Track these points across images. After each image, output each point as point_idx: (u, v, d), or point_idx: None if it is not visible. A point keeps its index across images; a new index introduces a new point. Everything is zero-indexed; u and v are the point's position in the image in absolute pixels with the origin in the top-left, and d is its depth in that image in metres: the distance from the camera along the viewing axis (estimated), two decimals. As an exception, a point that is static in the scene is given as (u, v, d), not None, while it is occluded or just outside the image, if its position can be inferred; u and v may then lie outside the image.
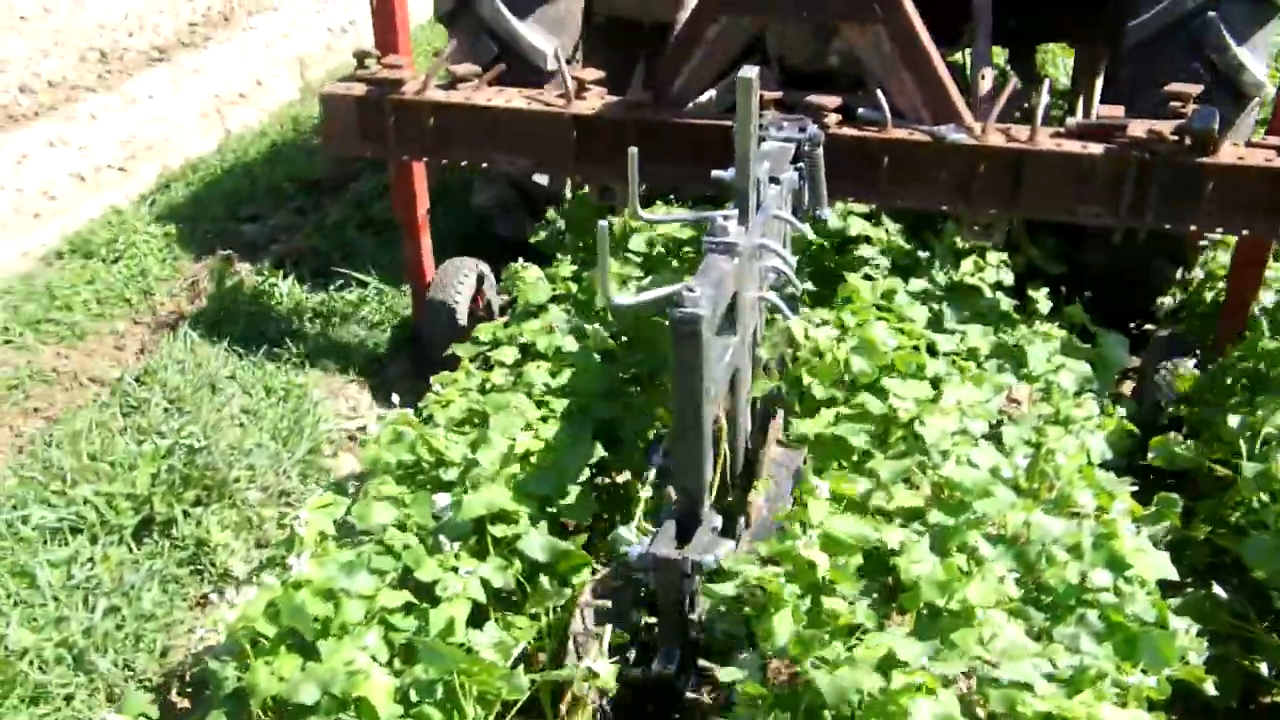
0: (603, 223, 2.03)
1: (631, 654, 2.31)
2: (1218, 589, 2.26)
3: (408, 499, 2.52)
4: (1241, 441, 2.49)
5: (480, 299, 3.91)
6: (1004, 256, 3.51)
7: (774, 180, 2.72)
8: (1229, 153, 3.19)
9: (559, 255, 3.62)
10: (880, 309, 2.87)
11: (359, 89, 3.70)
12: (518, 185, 4.23)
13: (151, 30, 7.55)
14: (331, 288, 4.32)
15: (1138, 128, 3.21)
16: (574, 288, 3.35)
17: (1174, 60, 3.51)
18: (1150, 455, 2.73)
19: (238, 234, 4.88)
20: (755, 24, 3.48)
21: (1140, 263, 3.83)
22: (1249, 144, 3.25)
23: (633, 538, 2.32)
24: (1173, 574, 2.00)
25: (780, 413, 2.78)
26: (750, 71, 2.32)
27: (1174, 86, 3.24)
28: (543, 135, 3.58)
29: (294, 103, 6.44)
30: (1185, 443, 2.70)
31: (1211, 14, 3.48)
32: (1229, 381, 3.09)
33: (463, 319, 3.77)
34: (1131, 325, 4.02)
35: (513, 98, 3.65)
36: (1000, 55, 4.78)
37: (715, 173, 2.59)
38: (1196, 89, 3.24)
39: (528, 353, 3.09)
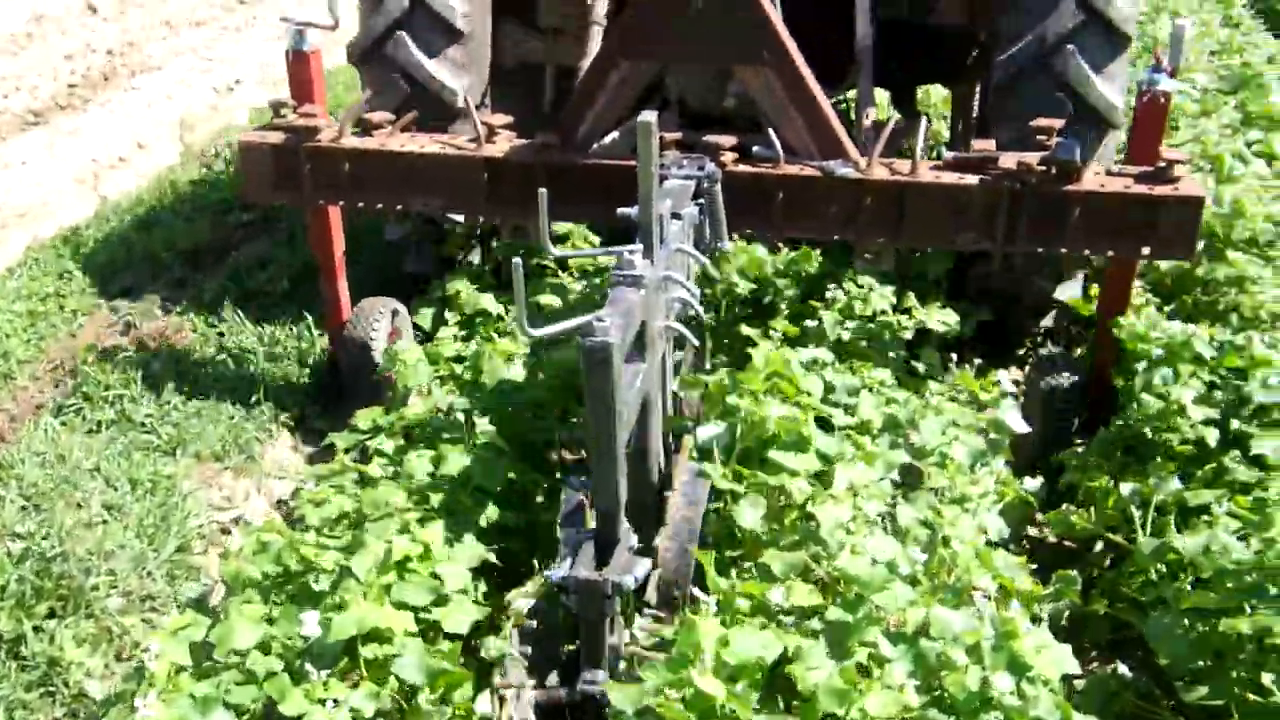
0: (516, 259, 2.14)
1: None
2: (1122, 668, 2.20)
3: (275, 614, 2.33)
4: (1134, 510, 2.44)
5: (394, 335, 4.00)
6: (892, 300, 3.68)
7: (676, 216, 2.81)
8: (1091, 181, 3.38)
9: (440, 331, 3.59)
10: (777, 376, 2.77)
11: (275, 137, 3.71)
12: (430, 220, 4.30)
13: (28, 92, 7.34)
14: (206, 365, 4.08)
15: (1008, 160, 3.40)
16: (458, 368, 3.22)
17: (1039, 93, 3.73)
18: (1048, 529, 2.73)
19: (110, 309, 4.57)
20: (655, 70, 3.63)
21: (1021, 284, 4.05)
22: (1109, 172, 3.44)
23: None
24: (1075, 668, 1.93)
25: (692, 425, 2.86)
26: (650, 115, 2.42)
27: (1039, 121, 3.42)
28: (455, 178, 3.68)
29: (174, 166, 6.21)
30: (1080, 511, 2.66)
31: (1070, 47, 3.69)
32: (1114, 448, 3.11)
33: (378, 355, 3.83)
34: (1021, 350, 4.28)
35: (426, 143, 3.74)
36: (883, 95, 4.99)
37: (621, 210, 2.63)
38: (1059, 122, 3.43)
39: (410, 439, 2.93)
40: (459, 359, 3.39)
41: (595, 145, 3.65)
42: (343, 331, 3.98)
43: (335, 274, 4.02)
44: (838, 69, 4.20)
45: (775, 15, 3.42)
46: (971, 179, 3.43)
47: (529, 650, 2.37)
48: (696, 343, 2.89)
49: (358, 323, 3.95)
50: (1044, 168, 3.34)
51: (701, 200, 3.13)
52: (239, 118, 7.03)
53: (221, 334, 4.33)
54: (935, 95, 6.24)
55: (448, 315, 4.11)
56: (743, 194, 3.40)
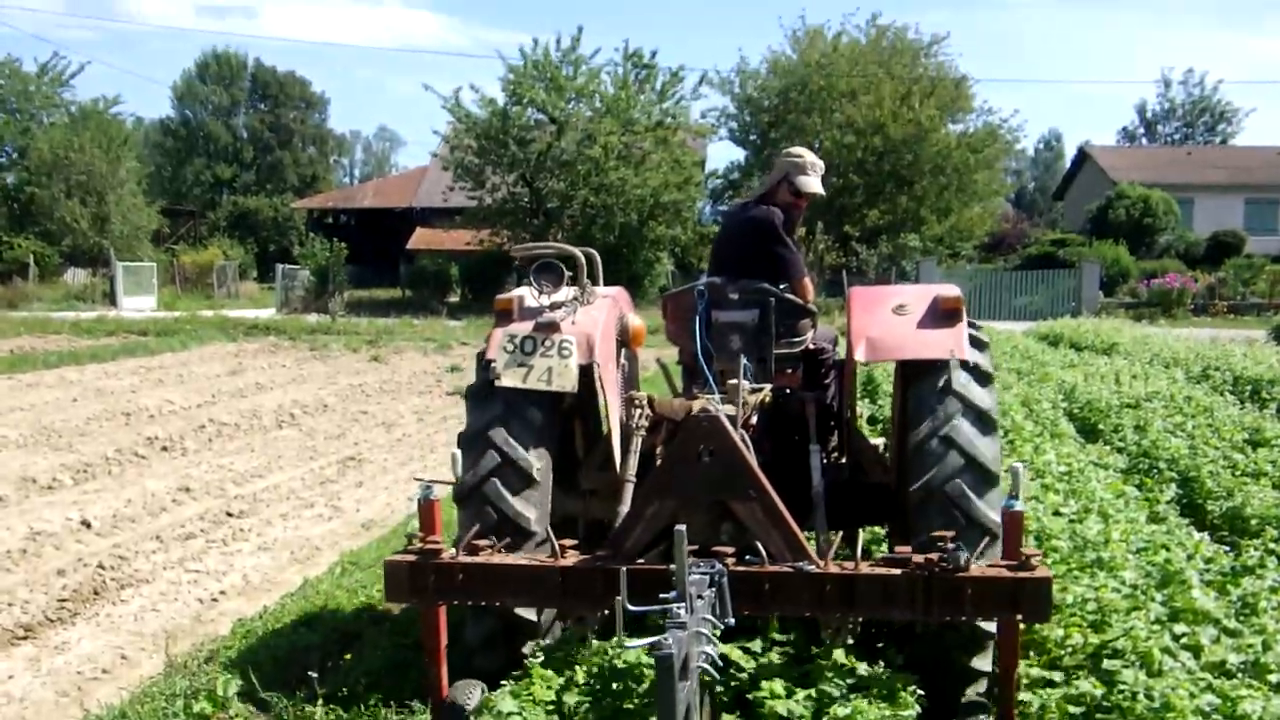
0: (619, 598, 3.57)
1: None
2: None
3: None
4: None
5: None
6: None
7: (699, 597, 4.28)
8: (977, 569, 4.95)
9: None
10: None
11: (410, 558, 5.25)
12: (505, 618, 5.65)
13: (19, 607, 7.66)
14: None
15: (919, 558, 4.97)
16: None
17: (941, 512, 5.43)
18: None
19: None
20: (676, 505, 5.17)
21: (944, 655, 5.41)
22: (989, 565, 5.03)
23: None
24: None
25: None
26: (681, 528, 4.03)
27: (940, 532, 5.08)
28: (539, 582, 5.17)
29: (156, 678, 6.36)
30: None
31: (958, 481, 5.44)
32: None
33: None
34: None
35: (518, 559, 5.28)
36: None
37: (662, 595, 4.02)
38: (952, 533, 5.05)
39: None
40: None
41: (637, 557, 5.18)
42: (443, 702, 5.24)
43: (439, 661, 5.35)
44: (802, 513, 5.86)
45: (756, 467, 5.22)
46: (897, 570, 5.01)
47: None
48: (718, 676, 4.26)
49: (457, 694, 5.23)
50: (945, 564, 4.93)
51: (712, 588, 4.66)
52: (222, 628, 7.29)
53: None
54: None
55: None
56: (741, 585, 4.90)
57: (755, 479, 5.18)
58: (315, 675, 6.12)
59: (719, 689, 4.94)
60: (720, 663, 4.39)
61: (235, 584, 8.52)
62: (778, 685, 4.88)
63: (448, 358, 25.37)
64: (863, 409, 12.93)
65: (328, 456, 13.79)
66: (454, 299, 47.02)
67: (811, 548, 5.18)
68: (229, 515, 10.60)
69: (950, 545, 4.98)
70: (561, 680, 4.96)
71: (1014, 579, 4.92)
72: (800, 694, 4.80)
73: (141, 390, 18.94)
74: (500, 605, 5.43)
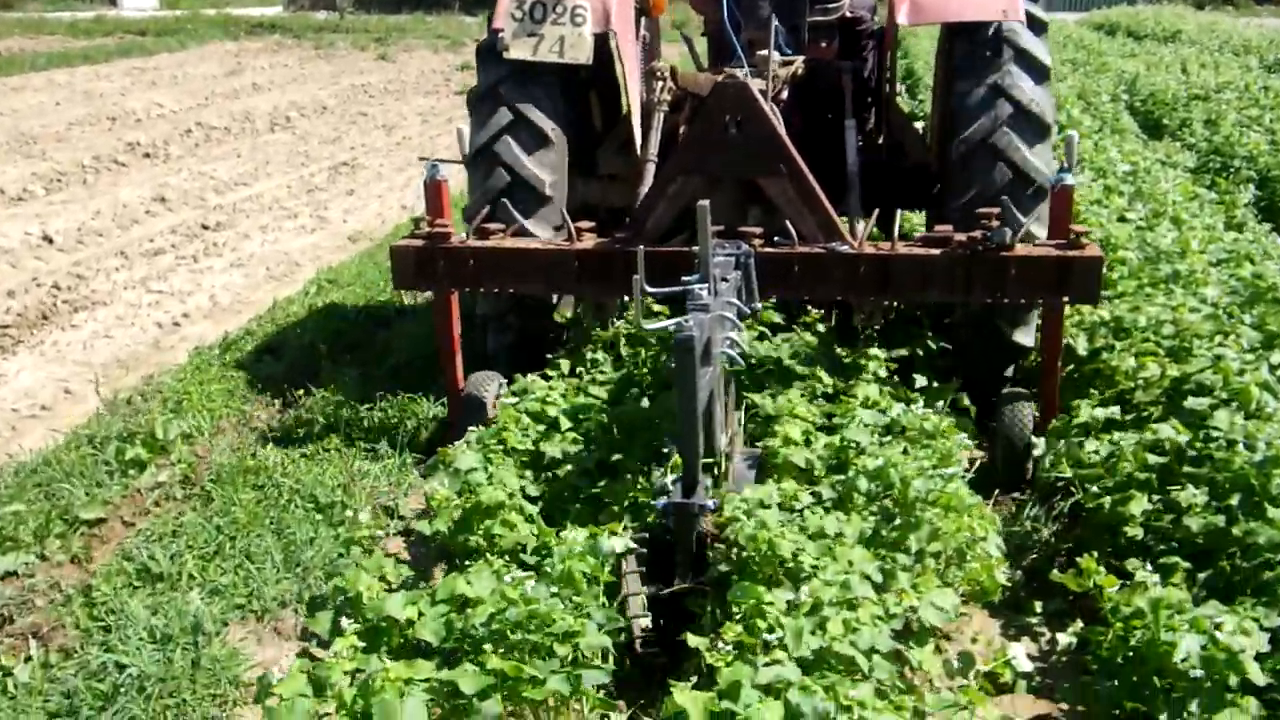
0: (638, 276, 3.36)
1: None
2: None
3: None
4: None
5: (495, 405, 4.99)
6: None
7: (724, 280, 4.00)
8: (1022, 248, 4.59)
9: None
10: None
11: (417, 242, 4.94)
12: (515, 305, 5.40)
13: None
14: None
15: (960, 237, 4.61)
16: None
17: (984, 166, 4.97)
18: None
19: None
20: (700, 183, 4.78)
21: (988, 333, 5.14)
22: (1035, 243, 4.69)
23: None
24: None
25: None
26: (704, 203, 3.64)
27: (982, 210, 4.63)
28: (554, 267, 4.91)
29: (93, 419, 5.55)
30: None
31: (1006, 129, 4.95)
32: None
33: (491, 411, 4.84)
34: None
35: (532, 243, 4.99)
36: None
37: (685, 279, 3.70)
38: (996, 210, 4.61)
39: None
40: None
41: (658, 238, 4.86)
42: (461, 395, 5.08)
43: (453, 351, 5.16)
44: (836, 195, 5.41)
45: (788, 141, 4.76)
46: (935, 250, 4.68)
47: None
48: (740, 363, 4.00)
49: (474, 387, 5.06)
50: (988, 242, 4.56)
51: (739, 271, 4.36)
52: (179, 356, 6.53)
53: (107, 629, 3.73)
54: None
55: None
56: (771, 268, 4.60)
57: (787, 153, 4.74)
58: (267, 415, 5.66)
59: (743, 378, 4.74)
60: (745, 348, 4.16)
61: (201, 305, 7.79)
62: (794, 430, 4.25)
63: (459, 55, 24.42)
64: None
65: (319, 162, 13.09)
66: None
67: (846, 232, 4.83)
68: (204, 228, 9.99)
69: (994, 223, 4.58)
70: (542, 429, 4.50)
71: (1062, 258, 4.59)
72: (821, 442, 4.25)
73: (132, 93, 18.14)
74: (514, 292, 5.15)
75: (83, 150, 13.14)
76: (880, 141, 6.31)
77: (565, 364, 5.25)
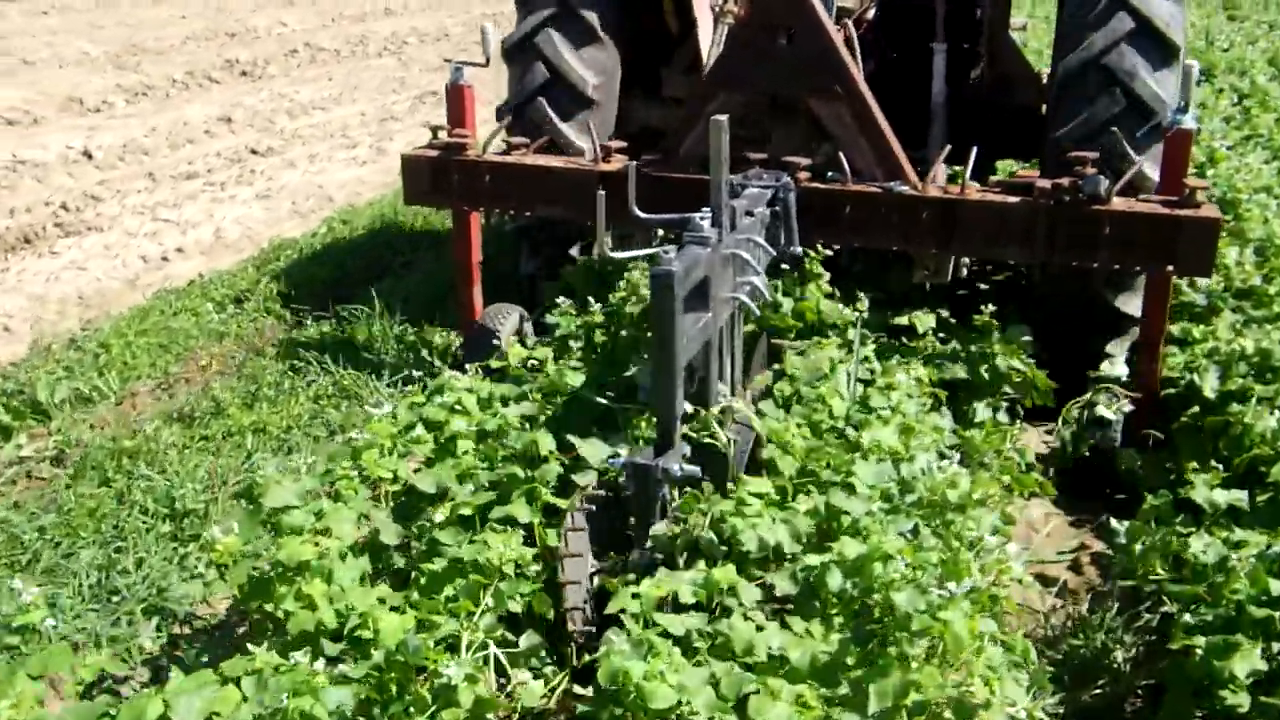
0: (600, 192, 2.82)
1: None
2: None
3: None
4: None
5: (517, 335, 4.58)
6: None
7: (749, 213, 3.36)
8: (1120, 202, 3.78)
9: None
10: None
11: (432, 153, 4.51)
12: (543, 227, 4.98)
13: None
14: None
15: (1045, 183, 3.84)
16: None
17: (1094, 90, 4.14)
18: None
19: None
20: (743, 100, 4.15)
21: (1084, 299, 4.32)
22: (1139, 198, 3.87)
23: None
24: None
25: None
26: (721, 117, 3.00)
27: (1074, 153, 3.86)
28: (576, 188, 4.34)
29: (22, 364, 4.93)
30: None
31: (1124, 46, 4.11)
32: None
33: (503, 345, 4.38)
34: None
35: (554, 161, 4.48)
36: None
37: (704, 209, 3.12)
38: (1094, 155, 3.84)
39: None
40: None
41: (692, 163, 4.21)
42: (475, 325, 4.61)
43: (472, 278, 4.74)
44: (919, 133, 4.75)
45: (847, 55, 4.07)
46: (1013, 198, 3.93)
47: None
48: (756, 312, 3.41)
49: (489, 319, 4.58)
50: (1080, 192, 3.78)
51: (776, 207, 3.73)
52: (147, 297, 5.89)
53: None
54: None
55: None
56: (816, 208, 3.96)
57: (844, 71, 4.04)
58: (190, 383, 4.79)
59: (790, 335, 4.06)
60: (767, 295, 3.49)
61: (202, 240, 7.02)
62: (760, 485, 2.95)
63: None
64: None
65: (410, 90, 12.56)
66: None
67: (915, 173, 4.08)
68: (253, 153, 9.33)
69: (1089, 169, 3.80)
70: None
71: (1170, 216, 3.78)
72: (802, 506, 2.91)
73: (265, 9, 18.04)
74: (534, 215, 4.65)
75: (179, 65, 12.96)
76: (982, 73, 5.45)
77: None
